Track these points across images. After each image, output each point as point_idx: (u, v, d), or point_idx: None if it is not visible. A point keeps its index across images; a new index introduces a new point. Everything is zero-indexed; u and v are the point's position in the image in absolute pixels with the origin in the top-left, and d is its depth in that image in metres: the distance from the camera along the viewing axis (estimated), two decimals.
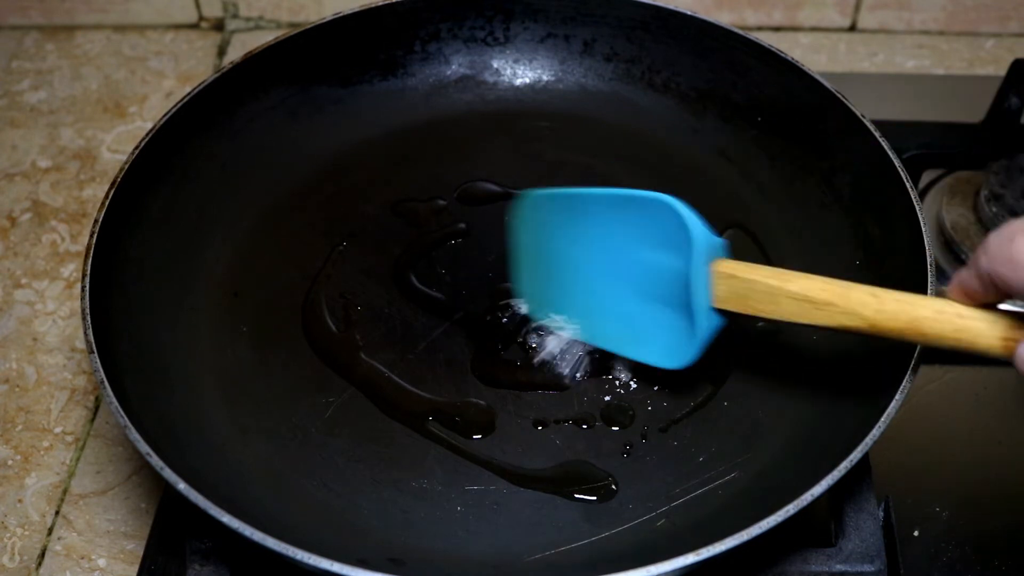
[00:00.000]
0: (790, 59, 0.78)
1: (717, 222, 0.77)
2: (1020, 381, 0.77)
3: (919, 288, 0.65)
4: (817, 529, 0.65)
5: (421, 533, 0.63)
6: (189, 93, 0.76)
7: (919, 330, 0.55)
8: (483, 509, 0.64)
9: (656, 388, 0.69)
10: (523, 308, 0.72)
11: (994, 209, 0.80)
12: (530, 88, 0.87)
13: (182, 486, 0.56)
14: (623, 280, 0.66)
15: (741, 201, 0.79)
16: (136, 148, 0.72)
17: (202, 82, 0.77)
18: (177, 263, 0.74)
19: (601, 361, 0.70)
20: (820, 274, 0.59)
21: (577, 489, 0.65)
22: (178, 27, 1.05)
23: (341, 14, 0.82)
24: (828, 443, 0.62)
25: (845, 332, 0.57)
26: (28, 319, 0.83)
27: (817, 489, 0.56)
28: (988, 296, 0.52)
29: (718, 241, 0.63)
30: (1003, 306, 0.52)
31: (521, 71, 0.87)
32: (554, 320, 0.70)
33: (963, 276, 0.53)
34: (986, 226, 0.80)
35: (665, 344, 0.65)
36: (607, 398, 0.69)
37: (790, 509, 0.56)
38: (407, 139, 0.84)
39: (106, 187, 0.71)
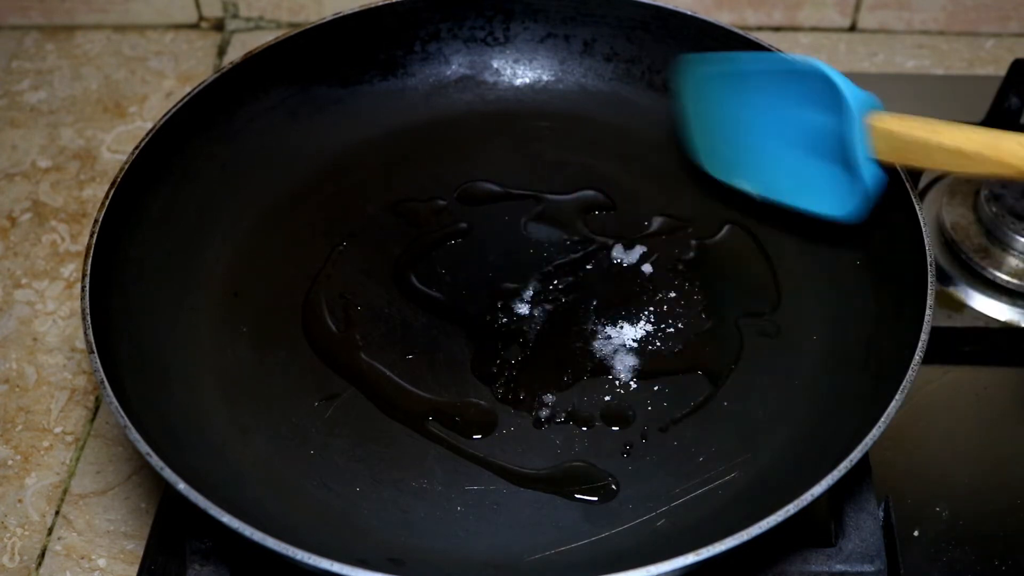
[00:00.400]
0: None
1: (717, 222, 0.78)
2: (1020, 381, 0.78)
3: (919, 288, 0.65)
4: (817, 529, 0.65)
5: (421, 533, 0.63)
6: (189, 93, 0.76)
7: None
8: (483, 509, 0.64)
9: (656, 388, 0.69)
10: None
11: (994, 209, 0.80)
12: (530, 88, 0.87)
13: (182, 486, 0.56)
14: (789, 138, 0.71)
15: (741, 201, 0.79)
16: (136, 148, 0.72)
17: (202, 82, 0.77)
18: (177, 263, 0.74)
19: (601, 361, 0.70)
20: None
21: (577, 489, 0.65)
22: (178, 27, 1.05)
23: (341, 14, 0.82)
24: (828, 443, 0.62)
25: (1002, 179, 0.64)
26: (28, 319, 0.83)
27: (817, 489, 0.56)
28: None
29: (871, 99, 0.66)
30: None
31: (521, 71, 0.87)
32: (730, 178, 0.76)
33: None
34: (986, 226, 0.80)
35: (834, 195, 0.69)
36: (607, 398, 0.69)
37: (790, 509, 0.56)
38: (407, 139, 0.84)
39: (106, 187, 0.71)
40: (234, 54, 1.02)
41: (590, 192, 0.80)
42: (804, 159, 0.71)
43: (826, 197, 0.71)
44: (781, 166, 0.73)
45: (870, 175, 0.67)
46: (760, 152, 0.74)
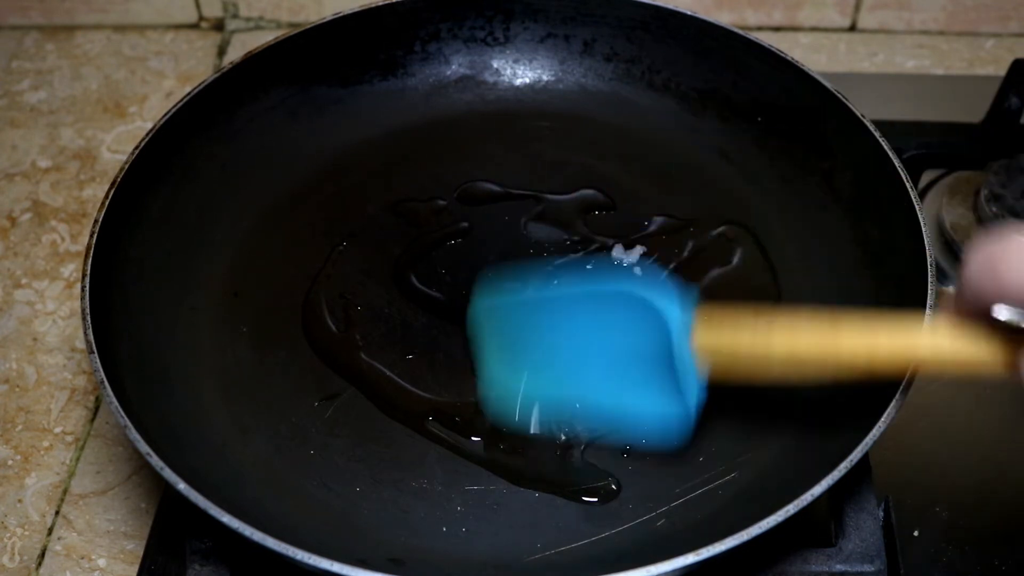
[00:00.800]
0: (790, 59, 0.78)
1: (717, 222, 0.78)
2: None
3: (919, 288, 0.65)
4: (817, 529, 0.65)
5: (421, 533, 0.63)
6: (189, 93, 0.76)
7: (923, 366, 0.54)
8: (483, 509, 0.64)
9: None
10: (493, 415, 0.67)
11: (994, 209, 0.80)
12: (530, 88, 0.87)
13: (182, 486, 0.56)
14: (607, 365, 0.64)
15: (741, 201, 0.79)
16: (136, 148, 0.72)
17: (202, 82, 0.77)
18: (177, 263, 0.74)
19: None
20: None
21: (577, 489, 0.65)
22: (178, 27, 1.05)
23: (341, 14, 0.82)
24: (828, 443, 0.62)
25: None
26: (28, 319, 0.83)
27: (817, 489, 0.56)
28: (977, 319, 0.50)
29: (688, 314, 0.60)
30: (998, 314, 0.49)
31: (521, 71, 0.87)
32: (536, 416, 0.66)
33: (950, 301, 0.51)
34: (986, 226, 0.80)
35: (656, 424, 0.63)
36: None
37: (790, 509, 0.56)
38: (407, 139, 0.84)
39: (106, 187, 0.71)
40: (234, 54, 1.02)
41: (590, 192, 0.80)
42: (621, 387, 0.63)
43: (647, 427, 0.64)
44: (595, 396, 0.65)
45: (696, 400, 0.60)
46: (568, 382, 0.65)
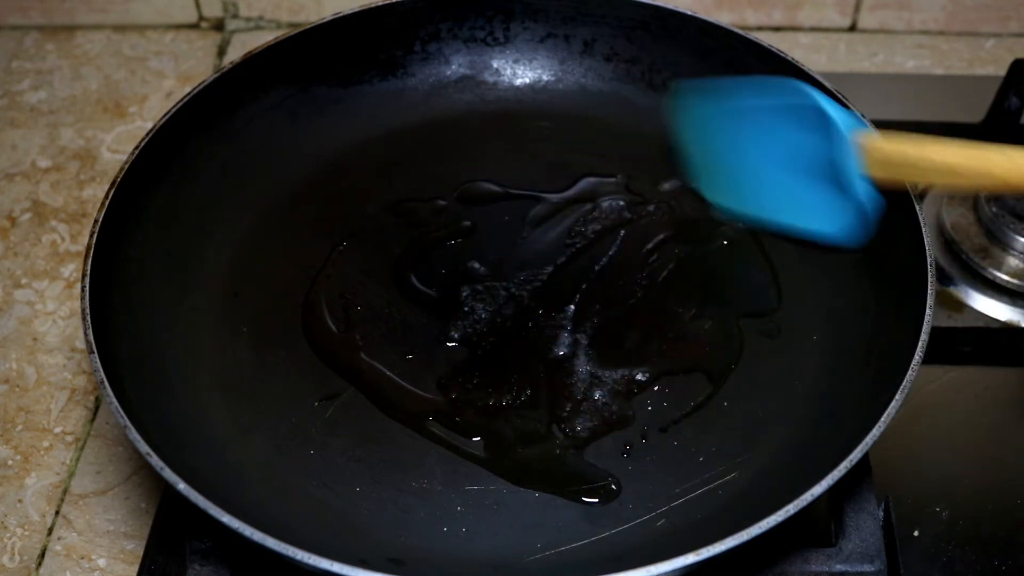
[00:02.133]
0: (790, 59, 0.78)
1: (717, 223, 0.78)
2: (1020, 381, 0.78)
3: (919, 288, 0.65)
4: (817, 529, 0.65)
5: (421, 533, 0.63)
6: (189, 93, 0.76)
7: None
8: (483, 509, 0.64)
9: (656, 388, 0.69)
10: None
11: (994, 209, 0.80)
12: (530, 88, 0.87)
13: (182, 486, 0.56)
14: (786, 164, 0.71)
15: None
16: (136, 148, 0.72)
17: (202, 82, 0.77)
18: (177, 263, 0.74)
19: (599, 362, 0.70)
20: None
21: (577, 489, 0.65)
22: (178, 27, 1.05)
23: (341, 14, 0.82)
24: (828, 443, 0.62)
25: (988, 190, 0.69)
26: (28, 319, 0.83)
27: (817, 489, 0.56)
28: None
29: (858, 120, 0.68)
30: None
31: (521, 71, 0.87)
32: (733, 204, 0.75)
33: None
34: (986, 226, 0.80)
35: (833, 217, 0.70)
36: (607, 398, 0.69)
37: (790, 509, 0.56)
38: (407, 139, 0.84)
39: (106, 187, 0.71)
40: (234, 54, 1.02)
41: (590, 192, 0.80)
42: (801, 183, 0.71)
43: (826, 218, 0.71)
44: (780, 191, 0.73)
45: (865, 194, 0.67)
46: (759, 179, 0.74)
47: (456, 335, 0.72)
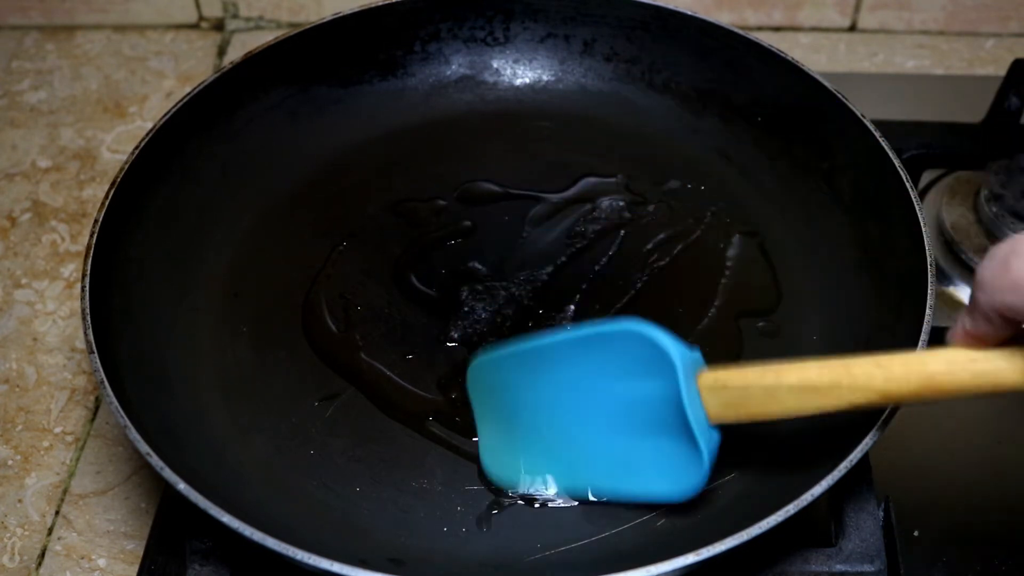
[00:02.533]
0: (790, 59, 0.78)
1: (718, 222, 0.78)
2: None
3: (919, 288, 0.65)
4: (817, 529, 0.65)
5: (421, 533, 0.63)
6: (189, 93, 0.76)
7: (936, 387, 0.51)
8: (483, 509, 0.64)
9: None
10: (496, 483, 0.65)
11: (994, 209, 0.80)
12: (530, 88, 0.87)
13: (182, 486, 0.56)
14: (606, 421, 0.61)
15: (741, 201, 0.79)
16: (136, 148, 0.72)
17: (202, 82, 0.77)
18: (177, 263, 0.74)
19: None
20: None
21: None
22: (178, 27, 1.05)
23: (341, 14, 0.82)
24: (828, 443, 0.62)
25: (858, 410, 0.54)
26: (28, 319, 0.83)
27: (817, 489, 0.56)
28: (999, 333, 0.49)
29: (695, 355, 0.58)
30: None
31: (521, 71, 0.87)
32: (541, 484, 0.64)
33: (965, 322, 0.50)
34: (986, 226, 0.80)
35: (668, 477, 0.60)
36: None
37: (790, 509, 0.56)
38: (407, 139, 0.84)
39: (106, 187, 0.71)
40: (234, 54, 1.02)
41: (590, 192, 0.80)
42: (628, 441, 0.60)
43: (659, 482, 0.60)
44: (601, 456, 0.62)
45: (710, 444, 0.58)
46: (571, 443, 0.62)
47: (456, 335, 0.72)
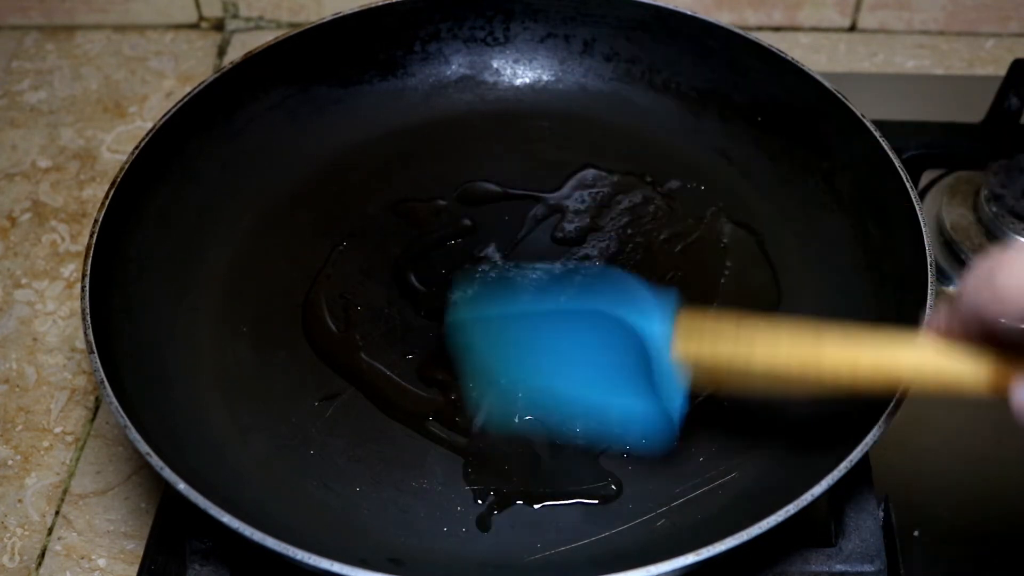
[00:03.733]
0: (790, 59, 0.78)
1: (718, 222, 0.78)
2: None
3: (919, 288, 0.65)
4: (817, 529, 0.65)
5: (421, 533, 0.63)
6: (189, 93, 0.76)
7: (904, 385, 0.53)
8: (483, 509, 0.64)
9: None
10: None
11: (994, 209, 0.80)
12: (530, 88, 0.87)
13: (182, 486, 0.56)
14: (583, 376, 0.64)
15: (741, 201, 0.79)
16: (136, 148, 0.72)
17: (202, 82, 0.77)
18: (177, 263, 0.74)
19: None
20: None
21: (577, 489, 0.65)
22: (178, 27, 1.05)
23: (341, 14, 0.82)
24: (828, 443, 0.62)
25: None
26: (28, 319, 0.83)
27: (817, 489, 0.56)
28: (972, 336, 0.50)
29: (668, 327, 0.60)
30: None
31: (521, 71, 0.87)
32: (520, 418, 0.66)
33: (942, 318, 0.51)
34: (986, 226, 0.80)
35: (642, 428, 0.63)
36: None
37: (790, 509, 0.56)
38: (407, 139, 0.84)
39: (106, 187, 0.71)
40: (234, 54, 1.02)
41: (589, 192, 0.80)
42: (606, 389, 0.64)
43: (633, 431, 0.64)
44: (578, 399, 0.65)
45: (679, 402, 0.61)
46: (554, 386, 0.66)
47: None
